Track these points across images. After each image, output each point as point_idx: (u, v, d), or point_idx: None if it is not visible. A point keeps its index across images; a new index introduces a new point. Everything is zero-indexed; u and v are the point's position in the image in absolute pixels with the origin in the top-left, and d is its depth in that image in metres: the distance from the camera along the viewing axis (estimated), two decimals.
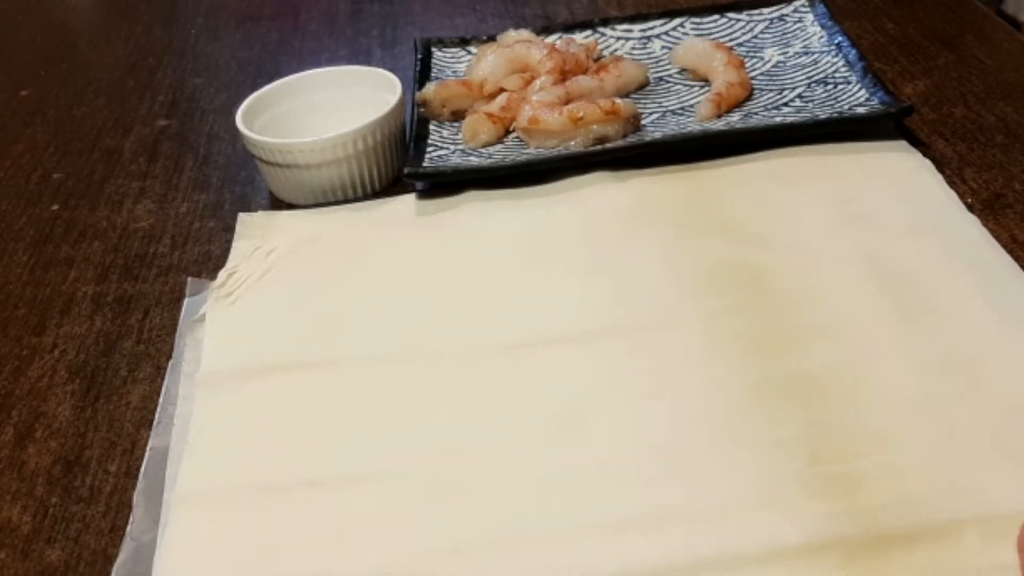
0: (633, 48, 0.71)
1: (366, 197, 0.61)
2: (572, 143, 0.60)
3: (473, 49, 0.71)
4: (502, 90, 0.64)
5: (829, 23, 0.67)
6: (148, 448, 0.45)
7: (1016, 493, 0.37)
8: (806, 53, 0.66)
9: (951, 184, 0.54)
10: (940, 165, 0.56)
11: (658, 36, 0.71)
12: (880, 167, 0.56)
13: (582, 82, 0.64)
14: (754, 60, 0.67)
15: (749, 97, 0.63)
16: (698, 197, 0.55)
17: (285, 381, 0.47)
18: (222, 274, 0.54)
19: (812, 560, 0.36)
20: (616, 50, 0.71)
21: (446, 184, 0.59)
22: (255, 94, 0.63)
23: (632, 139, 0.60)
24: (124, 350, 0.52)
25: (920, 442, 0.40)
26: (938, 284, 0.47)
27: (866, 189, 0.54)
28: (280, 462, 0.43)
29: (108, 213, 0.64)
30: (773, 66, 0.66)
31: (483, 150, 0.62)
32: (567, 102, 0.61)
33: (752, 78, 0.64)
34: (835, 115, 0.58)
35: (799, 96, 0.62)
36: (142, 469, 0.44)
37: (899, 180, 0.55)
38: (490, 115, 0.62)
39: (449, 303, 0.51)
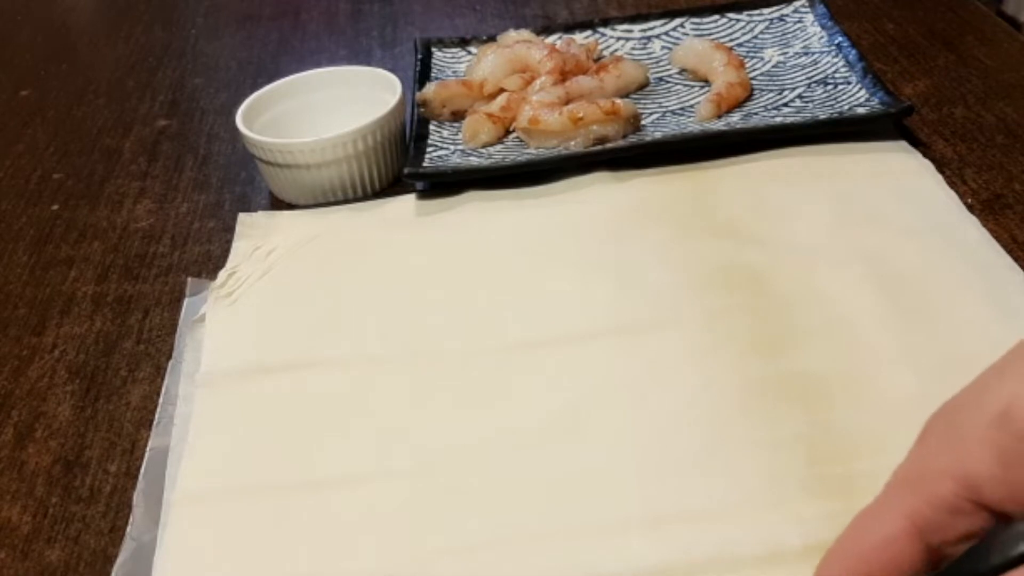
0: (633, 48, 0.71)
1: (366, 197, 0.61)
2: (572, 143, 0.60)
3: (473, 49, 0.71)
4: (502, 90, 0.64)
5: (829, 23, 0.67)
6: (148, 448, 0.45)
7: None
8: (806, 53, 0.66)
9: (951, 184, 0.54)
10: (940, 165, 0.56)
11: (658, 36, 0.71)
12: (880, 167, 0.56)
13: (582, 82, 0.63)
14: (754, 60, 0.67)
15: (749, 97, 0.63)
16: (698, 197, 0.55)
17: (285, 381, 0.47)
18: (222, 274, 0.54)
19: (812, 561, 0.36)
20: (616, 50, 0.71)
21: (446, 184, 0.59)
22: (255, 94, 0.63)
23: (632, 139, 0.60)
24: (124, 350, 0.52)
25: None
26: (938, 284, 0.47)
27: (866, 189, 0.54)
28: (280, 462, 0.43)
29: (108, 213, 0.64)
30: (773, 66, 0.66)
31: (483, 150, 0.62)
32: (567, 102, 0.61)
33: (752, 78, 0.64)
34: (835, 115, 0.58)
35: (799, 96, 0.62)
36: (142, 469, 0.44)
37: (899, 180, 0.55)
38: (490, 115, 0.62)
39: (449, 303, 0.51)
